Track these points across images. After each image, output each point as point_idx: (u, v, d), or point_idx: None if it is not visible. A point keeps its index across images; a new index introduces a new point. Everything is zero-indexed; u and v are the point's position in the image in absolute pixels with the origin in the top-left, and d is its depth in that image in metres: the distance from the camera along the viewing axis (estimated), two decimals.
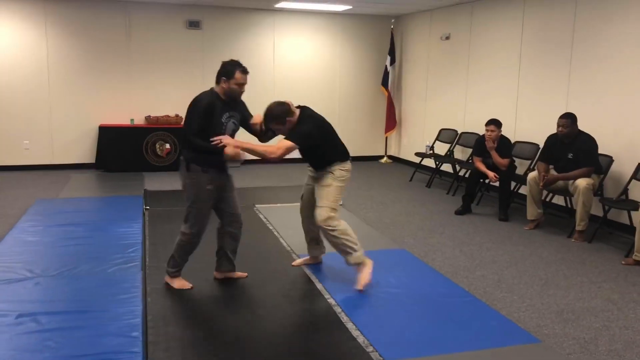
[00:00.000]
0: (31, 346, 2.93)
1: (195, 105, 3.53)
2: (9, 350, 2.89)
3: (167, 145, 8.25)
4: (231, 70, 3.51)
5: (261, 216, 5.75)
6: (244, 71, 3.55)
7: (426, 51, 8.65)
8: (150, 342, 3.05)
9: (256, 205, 6.15)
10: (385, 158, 9.68)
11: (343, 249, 3.81)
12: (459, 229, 5.52)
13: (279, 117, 3.65)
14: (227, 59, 3.58)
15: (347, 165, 3.88)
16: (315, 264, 4.30)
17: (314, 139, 3.71)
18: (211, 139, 3.46)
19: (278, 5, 8.30)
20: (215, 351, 3.00)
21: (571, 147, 5.26)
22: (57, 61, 8.05)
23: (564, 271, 4.37)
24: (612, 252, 4.87)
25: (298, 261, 4.36)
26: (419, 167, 8.03)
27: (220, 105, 3.56)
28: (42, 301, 3.48)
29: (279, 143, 3.62)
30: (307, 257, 4.33)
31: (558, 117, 5.31)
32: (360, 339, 3.12)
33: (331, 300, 3.66)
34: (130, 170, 8.08)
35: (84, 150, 8.33)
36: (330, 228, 3.75)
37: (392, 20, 9.22)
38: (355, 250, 3.81)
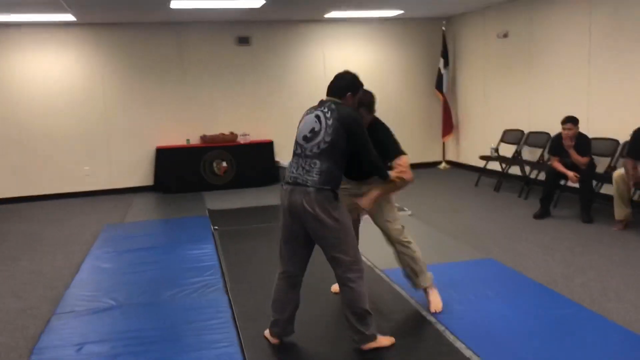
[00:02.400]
0: None
1: (361, 124, 3.07)
2: None
3: (224, 164, 8.19)
4: (360, 85, 3.21)
5: None
6: None
7: (482, 51, 8.38)
8: None
9: None
10: (443, 164, 9.40)
11: (416, 268, 3.51)
12: (543, 234, 5.22)
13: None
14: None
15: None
16: None
17: None
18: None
19: (327, 16, 8.18)
20: None
21: None
22: (111, 86, 8.11)
23: None
24: None
25: None
26: (483, 171, 7.73)
27: None
28: (133, 331, 3.38)
29: (399, 161, 3.22)
30: None
31: None
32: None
33: (431, 318, 3.44)
34: (189, 191, 8.05)
35: (142, 173, 8.35)
36: (406, 241, 3.50)
37: (444, 22, 8.98)
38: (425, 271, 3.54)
